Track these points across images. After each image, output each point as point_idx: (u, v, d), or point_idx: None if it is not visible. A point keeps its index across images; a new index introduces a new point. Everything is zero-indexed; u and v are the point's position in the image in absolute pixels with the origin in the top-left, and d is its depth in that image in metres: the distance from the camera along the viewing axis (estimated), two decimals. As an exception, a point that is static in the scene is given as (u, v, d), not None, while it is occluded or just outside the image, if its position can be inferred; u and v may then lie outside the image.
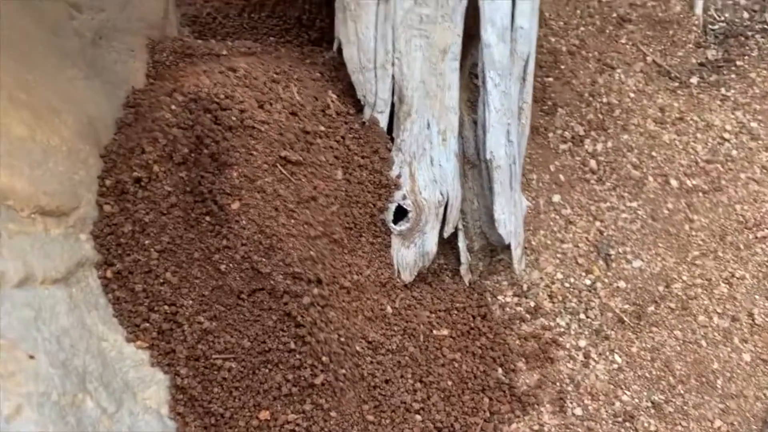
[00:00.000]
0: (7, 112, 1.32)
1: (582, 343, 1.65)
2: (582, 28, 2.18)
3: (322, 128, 1.51)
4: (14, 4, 1.52)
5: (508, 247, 1.64)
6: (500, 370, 1.60)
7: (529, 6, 1.54)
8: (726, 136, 1.95)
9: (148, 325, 1.42)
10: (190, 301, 1.42)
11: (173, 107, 1.37)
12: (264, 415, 1.43)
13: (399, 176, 1.54)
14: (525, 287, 1.71)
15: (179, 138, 1.35)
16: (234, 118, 1.36)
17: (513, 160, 1.59)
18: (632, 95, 2.04)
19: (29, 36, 1.52)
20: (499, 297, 1.70)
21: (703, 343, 1.63)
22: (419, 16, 1.49)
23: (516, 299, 1.70)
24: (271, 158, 1.40)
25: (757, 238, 1.76)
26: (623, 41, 2.15)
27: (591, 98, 2.03)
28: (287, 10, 2.09)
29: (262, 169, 1.40)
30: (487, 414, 1.55)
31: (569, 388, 1.59)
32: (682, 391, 1.57)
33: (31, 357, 1.16)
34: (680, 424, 1.53)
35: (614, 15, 2.21)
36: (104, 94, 1.70)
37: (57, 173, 1.39)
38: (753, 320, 1.65)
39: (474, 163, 1.64)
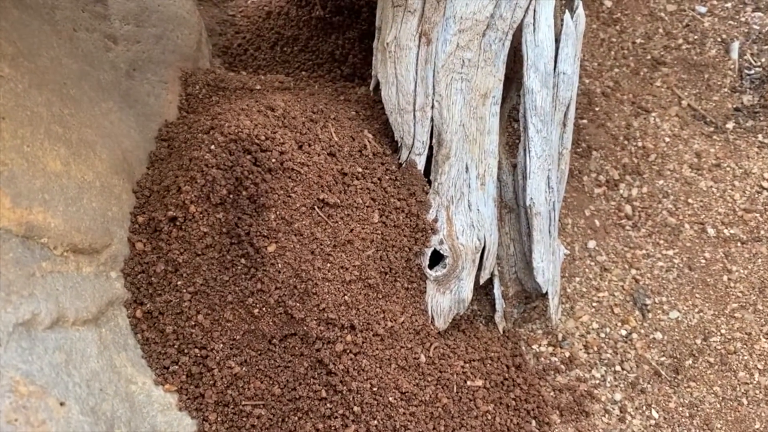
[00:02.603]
0: (43, 146, 1.29)
1: (618, 396, 1.60)
2: (616, 70, 2.16)
3: (360, 169, 1.48)
4: (51, 36, 1.51)
5: (545, 295, 1.60)
6: (534, 423, 1.55)
7: (572, 52, 1.52)
8: (765, 184, 1.91)
9: (177, 368, 1.38)
10: (221, 345, 1.38)
11: (213, 147, 1.34)
12: (293, 465, 1.39)
13: (436, 220, 1.51)
14: (560, 336, 1.66)
15: (218, 179, 1.33)
16: (274, 160, 1.34)
17: (552, 206, 1.55)
18: (667, 139, 2.01)
19: (65, 68, 1.51)
20: (534, 346, 1.65)
21: (744, 401, 1.58)
22: (461, 60, 1.46)
23: (551, 349, 1.65)
24: (309, 201, 1.37)
25: (798, 291, 1.72)
26: (658, 84, 2.13)
27: (626, 141, 2.00)
28: (320, 44, 2.08)
29: (300, 211, 1.37)
30: (521, 469, 1.50)
31: (605, 444, 1.54)
32: (722, 451, 1.52)
33: (62, 404, 1.12)
34: (721, 486, 1.48)
35: (648, 57, 2.19)
36: (137, 127, 1.69)
37: (90, 210, 1.36)
38: (796, 378, 1.60)
39: (511, 208, 1.61)
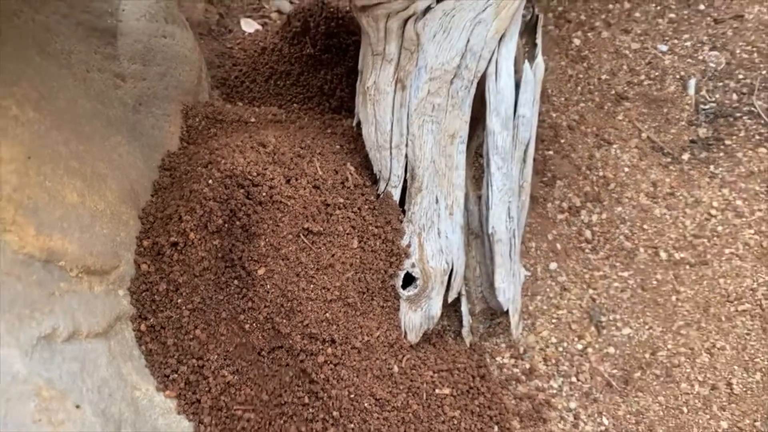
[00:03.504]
0: (63, 181, 1.48)
1: (572, 404, 1.78)
2: (582, 104, 2.35)
3: (341, 200, 1.66)
4: (67, 79, 1.70)
5: (507, 313, 1.79)
6: (496, 428, 1.73)
7: (531, 97, 1.71)
8: (713, 212, 2.10)
9: (176, 376, 1.56)
10: (216, 356, 1.56)
11: (210, 182, 1.53)
12: (278, 463, 1.57)
13: (409, 245, 1.69)
14: (521, 350, 1.85)
15: (215, 210, 1.51)
16: (264, 194, 1.52)
17: (513, 233, 1.74)
18: (627, 170, 2.20)
19: (80, 107, 1.69)
20: (497, 358, 1.84)
21: (685, 409, 1.76)
22: (432, 105, 1.65)
23: (513, 361, 1.83)
24: (295, 229, 1.56)
25: (737, 311, 1.90)
26: (620, 117, 2.32)
27: (588, 171, 2.19)
28: (310, 79, 2.27)
29: (287, 239, 1.55)
30: (483, 469, 1.68)
31: (559, 447, 1.72)
32: (663, 454, 1.70)
33: (78, 407, 1.30)
34: (661, 485, 1.65)
35: (612, 92, 2.38)
36: (143, 157, 1.87)
37: (102, 236, 1.55)
38: (731, 389, 1.78)
39: (477, 234, 1.79)
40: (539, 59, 1.74)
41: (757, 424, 1.72)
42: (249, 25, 2.82)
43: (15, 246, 1.33)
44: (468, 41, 1.60)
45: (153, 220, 1.67)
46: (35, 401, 1.21)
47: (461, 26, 1.58)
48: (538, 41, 1.78)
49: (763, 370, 1.80)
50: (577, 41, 2.50)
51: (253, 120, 1.99)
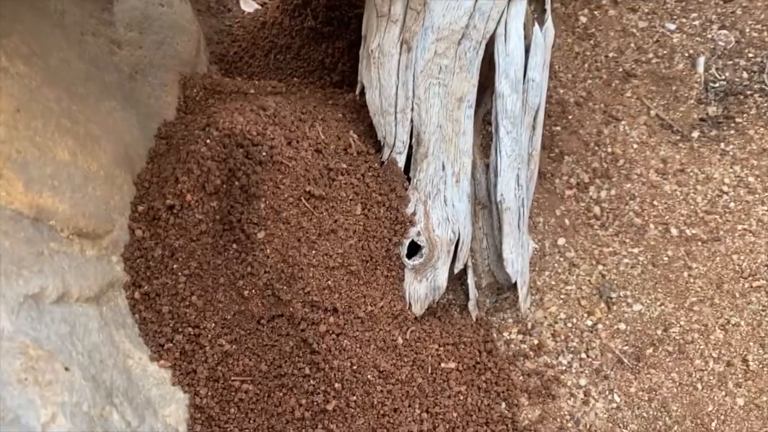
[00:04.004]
0: (54, 138, 1.41)
1: (582, 381, 1.71)
2: (589, 81, 2.29)
3: (344, 166, 1.60)
4: (61, 39, 1.64)
5: (515, 285, 1.72)
6: (504, 405, 1.66)
7: (541, 60, 1.65)
8: (725, 189, 2.04)
9: (171, 345, 1.49)
10: (213, 324, 1.49)
11: (208, 141, 1.47)
12: (277, 437, 1.50)
13: (414, 214, 1.63)
14: (529, 325, 1.78)
15: (213, 170, 1.45)
16: (264, 154, 1.46)
17: (522, 203, 1.68)
18: (635, 146, 2.14)
19: (73, 68, 1.63)
20: (505, 333, 1.77)
21: (699, 386, 1.70)
22: (439, 66, 1.60)
23: (520, 336, 1.77)
24: (296, 192, 1.49)
25: (752, 287, 1.84)
26: (628, 95, 2.27)
27: (596, 148, 2.13)
28: (311, 53, 2.21)
29: (287, 202, 1.49)
30: (490, 446, 1.61)
31: (569, 425, 1.65)
32: (677, 432, 1.63)
33: (67, 369, 1.23)
34: (675, 463, 1.59)
35: (620, 70, 2.33)
36: (138, 125, 1.81)
37: (95, 198, 1.48)
38: (747, 366, 1.71)
39: (485, 205, 1.73)
40: (549, 23, 1.69)
41: (775, 401, 1.66)
42: (248, 5, 2.77)
43: (2, 201, 1.27)
44: (476, 0, 1.55)
45: (148, 186, 1.61)
46: (21, 359, 1.14)
47: (469, -16, 1.53)
48: (548, 6, 1.72)
49: (780, 346, 1.74)
50: (583, 19, 2.45)
51: (252, 91, 1.93)
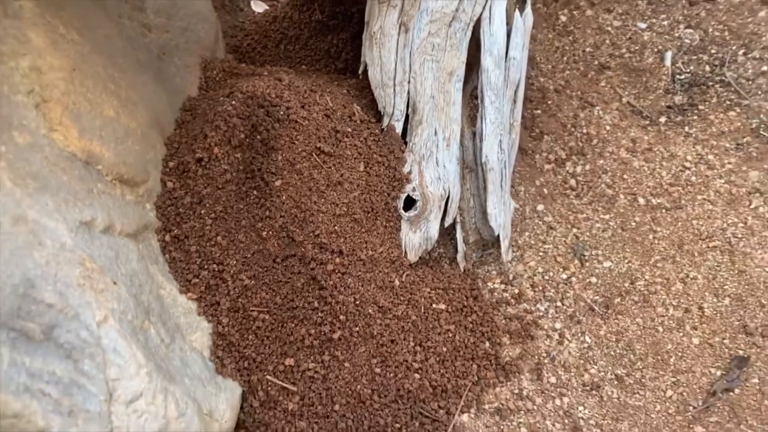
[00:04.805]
0: (101, 97, 1.64)
1: (558, 325, 1.94)
2: (567, 72, 2.55)
3: (349, 129, 1.84)
4: (103, 19, 1.88)
5: (498, 240, 1.95)
6: (488, 343, 1.88)
7: (520, 42, 1.90)
8: (687, 165, 2.29)
9: (198, 280, 1.71)
10: (235, 262, 1.71)
11: (234, 102, 1.70)
12: (289, 362, 1.71)
13: (410, 173, 1.87)
14: (511, 277, 2.01)
15: (237, 126, 1.68)
16: (282, 113, 1.69)
17: (504, 165, 1.91)
18: (608, 128, 2.39)
19: (114, 44, 1.87)
20: (489, 283, 2.00)
21: (660, 329, 1.92)
22: (432, 44, 1.84)
23: (503, 286, 2.00)
24: (308, 147, 1.73)
25: (709, 247, 2.08)
26: (602, 84, 2.52)
27: (573, 129, 2.37)
28: (318, 43, 2.46)
29: (301, 155, 1.72)
30: (475, 378, 1.82)
31: (546, 361, 1.87)
32: (640, 367, 1.85)
33: (114, 283, 1.45)
34: (638, 392, 1.81)
35: (596, 62, 2.59)
36: (166, 99, 2.04)
37: (133, 151, 1.71)
38: (703, 312, 1.94)
39: (472, 168, 1.97)
40: (528, 9, 1.94)
41: (726, 341, 1.89)
42: (258, 6, 3.03)
43: (61, 144, 1.50)
44: (465, -13, 1.80)
45: (177, 146, 1.84)
46: (79, 269, 1.36)
47: (459, -26, 1.78)
48: (527, -3, 1.98)
49: (732, 296, 1.97)
50: (563, 18, 2.72)
51: (266, 74, 2.16)
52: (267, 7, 2.98)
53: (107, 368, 1.34)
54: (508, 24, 1.92)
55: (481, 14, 1.85)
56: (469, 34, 1.86)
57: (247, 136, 1.69)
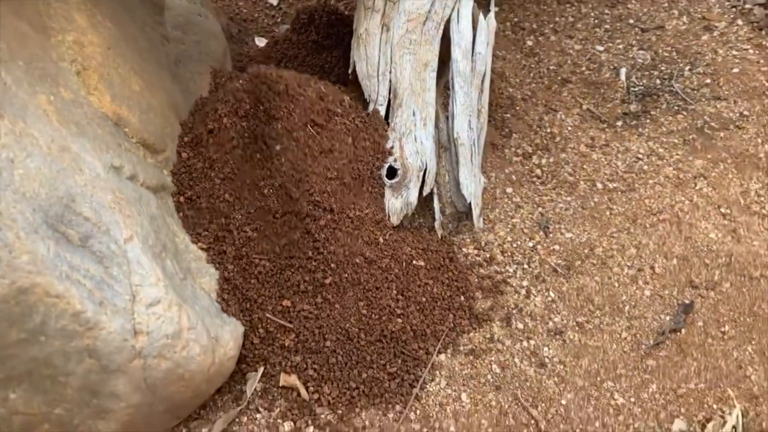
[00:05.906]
0: (129, 75, 1.95)
1: (525, 283, 2.18)
2: (533, 85, 2.89)
3: (339, 110, 2.15)
4: (131, 23, 2.21)
5: (470, 208, 2.22)
6: (462, 297, 2.12)
7: (485, 39, 2.24)
8: (640, 156, 2.58)
9: (207, 232, 1.97)
10: (240, 215, 1.98)
11: (241, 81, 2.02)
12: (286, 303, 1.94)
13: (392, 147, 2.16)
14: (483, 244, 2.27)
15: (244, 99, 1.99)
16: (282, 88, 2.00)
17: (473, 143, 2.21)
18: (570, 129, 2.70)
19: (139, 42, 2.19)
20: (463, 249, 2.25)
21: (616, 284, 2.16)
22: (409, 40, 2.17)
23: (476, 252, 2.25)
24: (304, 119, 2.03)
25: (659, 220, 2.35)
26: (565, 94, 2.86)
27: (538, 129, 2.69)
28: (313, 60, 2.80)
29: (297, 125, 2.02)
30: (452, 325, 2.05)
31: (514, 311, 2.10)
32: (599, 315, 2.09)
33: (139, 215, 1.71)
34: (597, 335, 2.03)
35: (559, 78, 2.93)
36: (182, 96, 2.36)
37: (155, 123, 2.00)
38: (654, 270, 2.19)
39: (446, 147, 2.26)
40: (491, 14, 2.29)
41: (675, 293, 2.13)
42: (262, 42, 3.41)
43: (96, 105, 1.79)
44: (436, -8, 2.15)
45: (191, 126, 2.14)
46: (111, 195, 1.63)
47: (431, -18, 2.14)
48: (492, 5, 2.33)
49: (679, 257, 2.22)
50: (530, 42, 3.09)
51: (268, 78, 2.49)
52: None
53: (131, 275, 1.59)
54: (474, 28, 2.27)
55: (450, 15, 2.19)
56: (441, 31, 2.20)
57: (252, 107, 2.00)
